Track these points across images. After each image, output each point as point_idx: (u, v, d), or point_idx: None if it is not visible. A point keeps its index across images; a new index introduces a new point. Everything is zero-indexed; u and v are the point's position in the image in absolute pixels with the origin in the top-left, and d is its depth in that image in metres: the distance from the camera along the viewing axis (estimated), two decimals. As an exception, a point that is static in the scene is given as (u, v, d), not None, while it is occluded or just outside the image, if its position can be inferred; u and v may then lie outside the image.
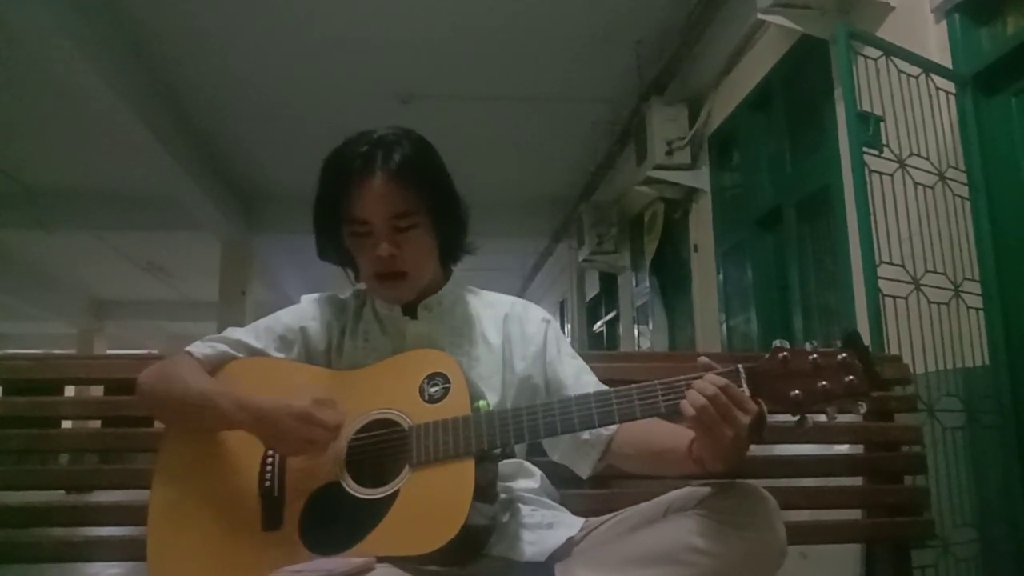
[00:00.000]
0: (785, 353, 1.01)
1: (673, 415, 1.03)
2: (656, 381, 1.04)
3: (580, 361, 1.32)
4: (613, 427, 1.20)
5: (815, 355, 1.00)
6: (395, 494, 1.05)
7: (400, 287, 1.22)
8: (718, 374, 1.01)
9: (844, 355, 1.00)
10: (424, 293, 1.27)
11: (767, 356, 1.02)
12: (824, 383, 0.99)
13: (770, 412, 1.04)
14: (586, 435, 1.22)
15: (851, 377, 0.99)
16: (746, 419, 0.98)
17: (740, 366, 1.02)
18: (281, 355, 1.26)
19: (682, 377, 1.02)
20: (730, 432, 0.97)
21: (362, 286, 1.33)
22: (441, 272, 1.30)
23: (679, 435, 1.10)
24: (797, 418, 1.01)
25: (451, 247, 1.29)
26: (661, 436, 1.16)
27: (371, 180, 1.16)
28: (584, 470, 1.25)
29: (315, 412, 1.06)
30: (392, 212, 1.17)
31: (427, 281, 1.26)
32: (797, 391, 0.99)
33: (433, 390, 1.12)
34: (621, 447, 1.21)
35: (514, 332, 1.30)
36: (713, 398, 0.97)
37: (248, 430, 1.10)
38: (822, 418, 1.01)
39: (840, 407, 1.00)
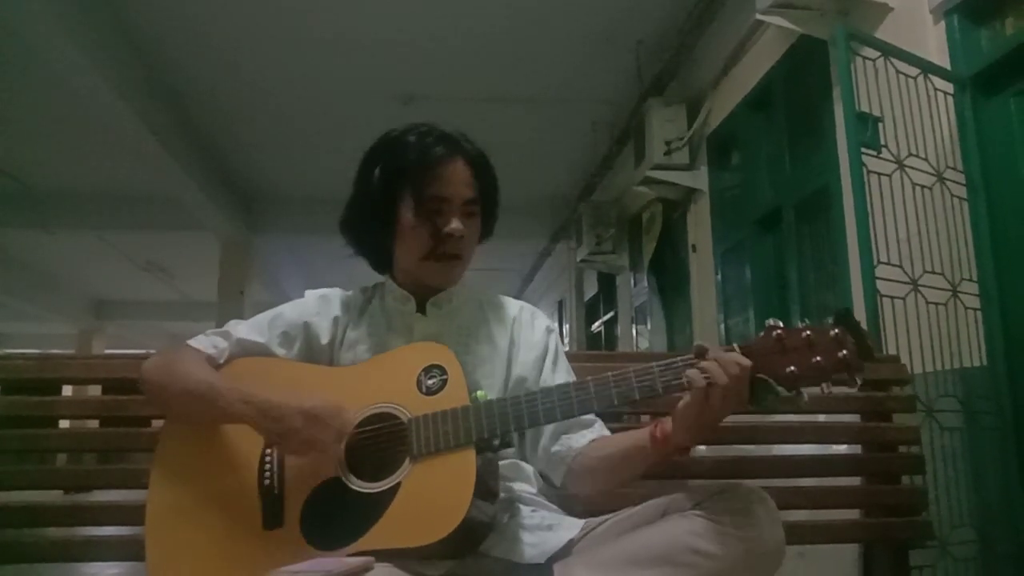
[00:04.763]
0: (779, 331, 1.03)
1: (670, 394, 1.05)
2: (653, 363, 1.06)
3: (571, 377, 1.32)
4: (583, 441, 1.23)
5: (808, 332, 1.02)
6: (396, 487, 1.06)
7: (454, 268, 1.26)
8: (713, 355, 1.03)
9: (836, 331, 1.01)
10: (436, 288, 1.29)
11: (761, 334, 1.04)
12: (818, 358, 1.00)
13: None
14: (556, 447, 1.24)
15: (844, 352, 1.00)
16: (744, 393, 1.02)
17: (736, 344, 1.04)
18: (283, 351, 1.26)
19: (679, 359, 1.05)
20: (726, 408, 1.01)
21: (369, 283, 1.34)
22: None
23: (635, 435, 1.16)
24: (793, 392, 1.02)
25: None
26: (620, 439, 1.21)
27: (454, 162, 1.23)
28: (557, 479, 1.27)
29: (323, 414, 1.06)
30: (468, 195, 1.24)
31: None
32: (792, 367, 1.01)
33: (431, 382, 1.12)
34: (586, 455, 1.23)
35: (519, 336, 1.32)
36: (735, 376, 1.00)
37: (251, 424, 1.09)
38: (821, 418, 1.02)
39: (835, 382, 1.01)
